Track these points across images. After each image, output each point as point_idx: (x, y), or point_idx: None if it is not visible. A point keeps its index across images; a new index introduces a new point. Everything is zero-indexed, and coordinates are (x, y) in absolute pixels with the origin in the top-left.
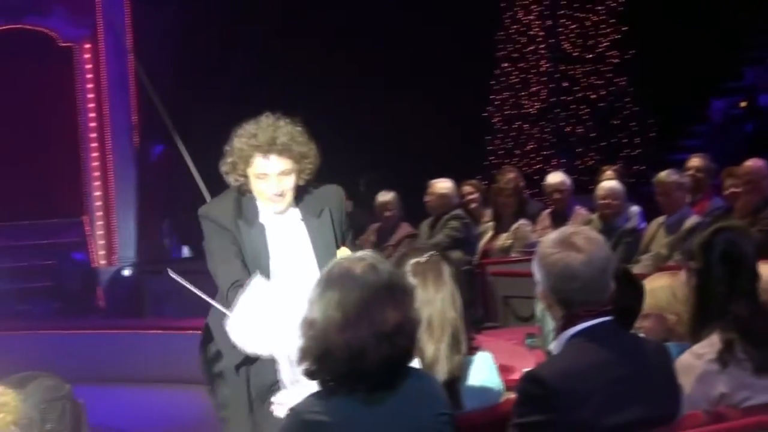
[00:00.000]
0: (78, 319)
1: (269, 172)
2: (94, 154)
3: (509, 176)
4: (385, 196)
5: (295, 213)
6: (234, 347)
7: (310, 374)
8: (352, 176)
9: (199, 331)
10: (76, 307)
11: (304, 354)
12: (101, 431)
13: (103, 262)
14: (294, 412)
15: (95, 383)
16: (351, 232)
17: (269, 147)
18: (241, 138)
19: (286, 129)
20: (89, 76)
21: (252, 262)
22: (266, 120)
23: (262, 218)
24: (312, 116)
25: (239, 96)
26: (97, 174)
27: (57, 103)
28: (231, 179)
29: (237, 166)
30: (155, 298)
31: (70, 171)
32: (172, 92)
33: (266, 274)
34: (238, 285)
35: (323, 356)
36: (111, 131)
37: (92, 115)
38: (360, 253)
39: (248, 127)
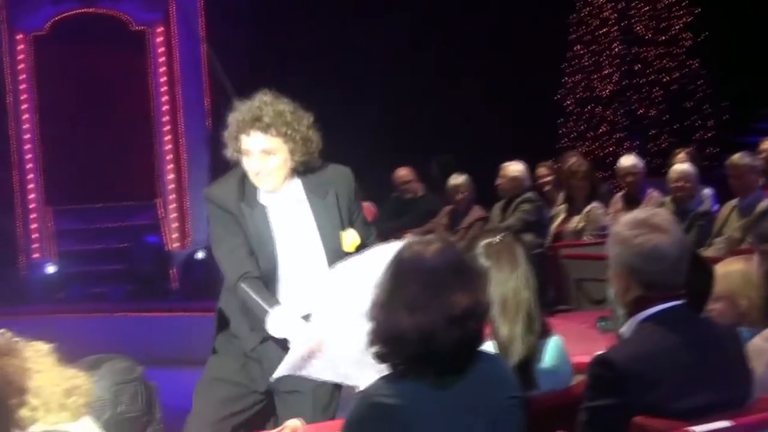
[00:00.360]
0: (151, 302)
1: (252, 150)
2: (167, 138)
3: (574, 160)
4: (457, 179)
5: (299, 193)
6: (252, 330)
7: (381, 357)
8: (424, 159)
9: None
10: (149, 290)
11: (374, 337)
12: (174, 413)
13: (176, 244)
14: (364, 394)
15: (168, 365)
16: (360, 214)
17: (253, 123)
18: (234, 114)
19: (275, 107)
20: (162, 59)
21: (257, 246)
22: (259, 97)
23: (263, 199)
24: (385, 99)
25: (311, 80)
26: (170, 157)
27: (130, 87)
28: (230, 154)
29: (231, 143)
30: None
31: (143, 154)
32: (243, 75)
33: (272, 258)
34: (246, 276)
35: (393, 339)
36: (184, 114)
37: (165, 98)
38: (429, 236)
39: (243, 104)
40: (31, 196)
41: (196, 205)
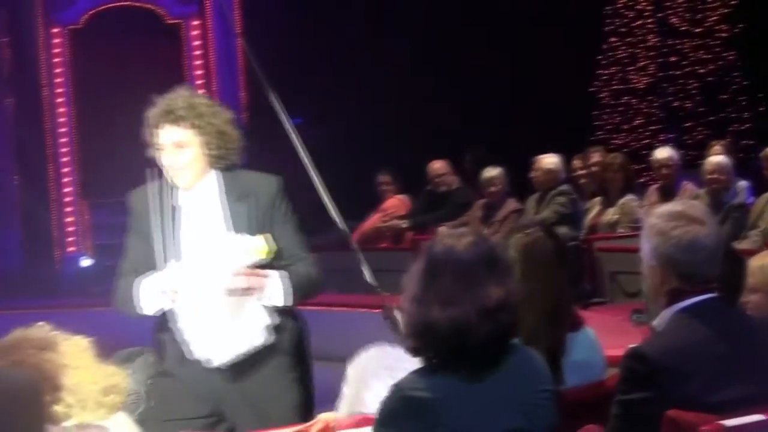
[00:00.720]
0: None
1: (164, 143)
2: None
3: (598, 158)
4: (491, 172)
5: (214, 192)
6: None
7: (415, 351)
8: (458, 152)
9: (310, 307)
10: None
11: (408, 331)
12: None
13: None
14: (396, 388)
15: None
16: (289, 227)
17: (165, 116)
18: (150, 109)
19: (189, 100)
20: (197, 53)
21: (162, 243)
22: (176, 91)
23: (179, 198)
24: (417, 92)
25: (345, 73)
26: None
27: (164, 80)
28: (152, 152)
29: (149, 139)
30: None
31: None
32: (278, 69)
33: (177, 257)
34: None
35: (427, 333)
36: None
37: (200, 91)
38: (461, 230)
39: (160, 98)
40: (67, 189)
41: None
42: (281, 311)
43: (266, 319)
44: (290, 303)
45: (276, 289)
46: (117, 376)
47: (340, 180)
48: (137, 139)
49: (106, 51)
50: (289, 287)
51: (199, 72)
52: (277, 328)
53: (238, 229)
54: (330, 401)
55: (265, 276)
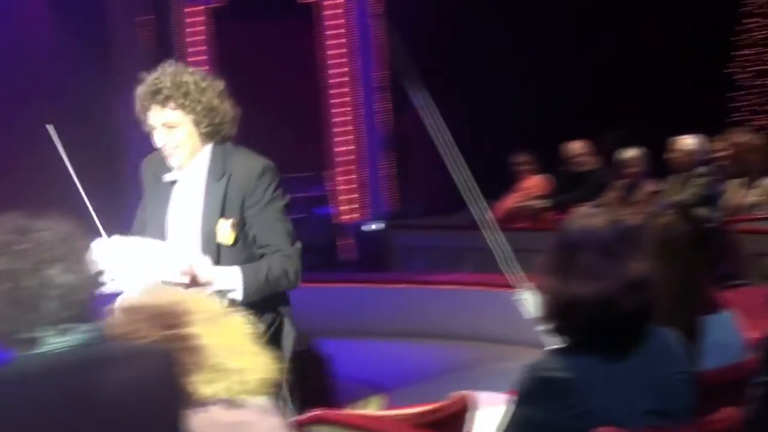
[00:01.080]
0: (324, 274)
1: (154, 124)
2: (340, 110)
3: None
4: (629, 153)
5: (202, 171)
6: None
7: (556, 331)
8: (597, 133)
9: (447, 286)
10: (320, 262)
11: (549, 309)
12: (348, 384)
13: (349, 216)
14: (532, 368)
15: (342, 337)
16: (268, 217)
17: (152, 97)
18: (138, 87)
19: (175, 78)
20: (335, 32)
21: (152, 219)
22: (161, 69)
23: (171, 175)
24: (557, 74)
25: (487, 54)
26: (342, 129)
27: (299, 60)
28: (147, 130)
29: (141, 118)
30: (402, 252)
31: (314, 126)
32: (417, 48)
33: (161, 234)
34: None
35: (570, 310)
36: (357, 87)
37: (338, 71)
38: (594, 209)
39: (146, 77)
40: None
41: (369, 178)
42: (256, 304)
43: None
44: (241, 299)
45: (225, 284)
46: (264, 357)
47: (479, 159)
48: (278, 118)
49: (246, 30)
50: (240, 283)
51: (336, 51)
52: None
53: (210, 209)
54: (465, 380)
55: (210, 271)
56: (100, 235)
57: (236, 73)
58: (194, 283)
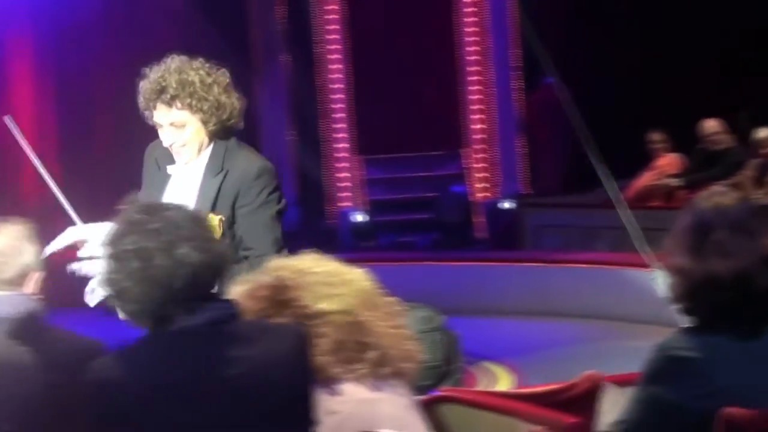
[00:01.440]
0: (456, 251)
1: (161, 123)
2: (475, 88)
3: None
4: (763, 132)
5: (201, 167)
6: None
7: (687, 310)
8: (732, 112)
9: (579, 264)
10: (454, 240)
11: (683, 288)
12: (476, 361)
13: (482, 194)
14: (661, 347)
15: (472, 315)
16: (258, 220)
17: (158, 96)
18: (142, 82)
19: (181, 76)
20: (470, 10)
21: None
22: (166, 64)
23: (173, 167)
24: (689, 52)
25: (614, 31)
26: (477, 107)
27: (437, 37)
28: (150, 121)
29: (145, 111)
30: (534, 231)
31: (449, 104)
32: (552, 28)
33: None
34: None
35: (706, 287)
36: (492, 66)
37: (473, 48)
38: (723, 188)
39: (151, 71)
40: (341, 145)
41: (502, 156)
42: None
43: None
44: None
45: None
46: (413, 343)
47: (612, 137)
48: (411, 95)
49: (380, 8)
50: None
51: (471, 29)
52: None
53: (201, 203)
54: (596, 359)
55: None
56: (73, 222)
57: (371, 53)
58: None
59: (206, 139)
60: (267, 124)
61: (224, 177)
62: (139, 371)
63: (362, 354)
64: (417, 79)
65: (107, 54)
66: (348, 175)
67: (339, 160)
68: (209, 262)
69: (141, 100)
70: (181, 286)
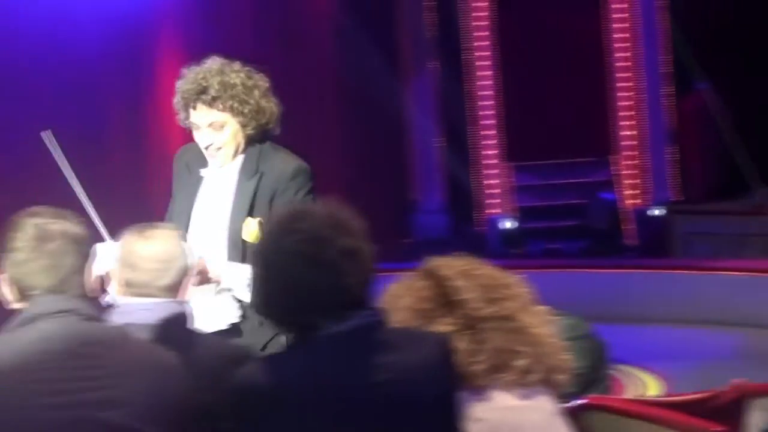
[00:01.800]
0: (605, 258)
1: (199, 124)
2: (625, 94)
3: None
4: None
5: (235, 171)
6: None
7: None
8: None
9: (730, 272)
10: (603, 246)
11: None
12: (624, 369)
13: (631, 201)
14: None
15: (621, 322)
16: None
17: (198, 96)
18: (180, 82)
19: (222, 78)
20: (620, 16)
21: (178, 212)
22: (207, 65)
23: (206, 170)
24: None
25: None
26: (627, 114)
27: (585, 43)
28: (182, 123)
29: (180, 113)
30: (684, 238)
31: (598, 110)
32: (701, 34)
33: (186, 227)
34: None
35: None
36: (642, 72)
37: (623, 54)
38: None
39: (190, 71)
40: (490, 152)
41: (653, 163)
42: None
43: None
44: (246, 299)
45: (234, 282)
46: (563, 351)
47: (763, 143)
48: (560, 102)
49: (529, 14)
50: (245, 283)
51: (621, 35)
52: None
53: (238, 207)
54: (745, 368)
55: (220, 268)
56: (103, 239)
57: (520, 59)
58: (204, 279)
59: (243, 143)
60: (416, 130)
61: (260, 179)
62: (286, 377)
63: (513, 361)
64: (566, 85)
65: (260, 60)
66: (497, 181)
67: (488, 166)
68: (359, 269)
69: (179, 100)
70: (329, 292)
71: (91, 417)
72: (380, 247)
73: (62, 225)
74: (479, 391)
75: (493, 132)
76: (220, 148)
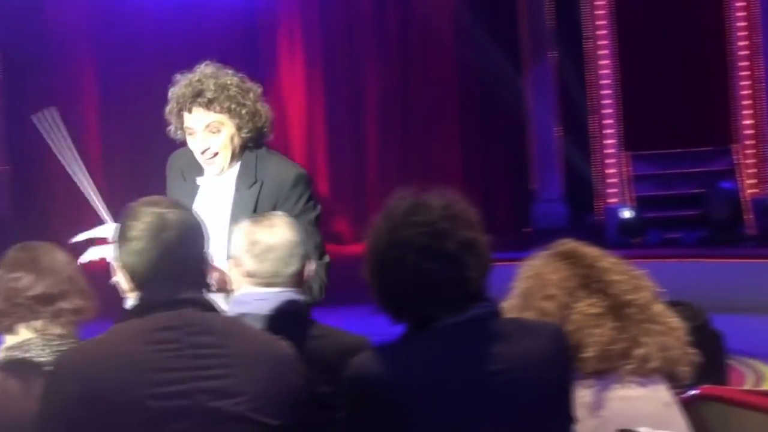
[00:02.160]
0: (724, 248)
1: (195, 128)
2: (746, 83)
3: None
4: None
5: (232, 179)
6: None
7: None
8: None
9: None
10: (723, 236)
11: None
12: (743, 360)
13: (752, 191)
14: None
15: (740, 312)
16: (309, 219)
17: (194, 99)
18: (173, 88)
19: (218, 80)
20: (741, 3)
21: None
22: (200, 70)
23: (202, 179)
24: None
25: None
26: (748, 102)
27: (706, 31)
28: (173, 132)
29: (173, 120)
30: None
31: (719, 99)
32: None
33: None
34: None
35: None
36: (763, 60)
37: (744, 43)
38: None
39: (183, 77)
40: (609, 141)
41: None
42: None
43: None
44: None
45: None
46: (683, 342)
47: None
48: (680, 90)
49: (649, 1)
50: None
51: (742, 23)
52: None
53: (238, 216)
54: None
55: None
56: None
57: (640, 48)
58: (222, 287)
59: (238, 148)
60: (535, 120)
61: (260, 188)
62: (402, 367)
63: (633, 350)
64: (686, 73)
65: (379, 52)
66: (616, 170)
67: (607, 156)
68: (476, 262)
69: (172, 107)
70: (450, 286)
71: (203, 406)
72: (499, 237)
73: (180, 214)
74: (596, 379)
75: (612, 121)
76: (216, 153)
